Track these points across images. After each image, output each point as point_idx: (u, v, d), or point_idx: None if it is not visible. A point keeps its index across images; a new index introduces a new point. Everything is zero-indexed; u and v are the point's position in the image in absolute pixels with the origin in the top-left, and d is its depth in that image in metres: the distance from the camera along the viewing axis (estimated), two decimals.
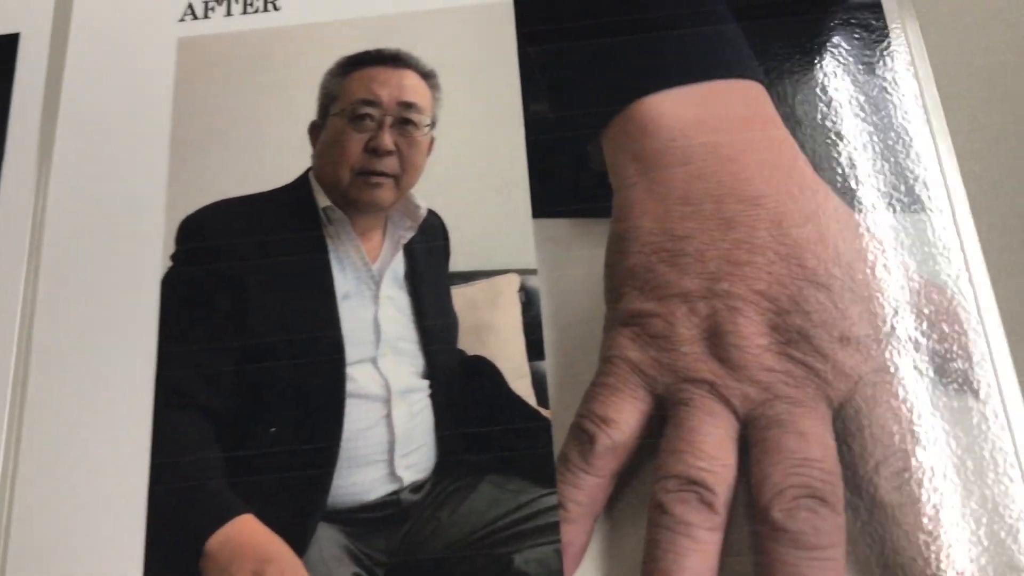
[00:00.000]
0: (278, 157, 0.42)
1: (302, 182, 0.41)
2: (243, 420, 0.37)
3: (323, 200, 0.41)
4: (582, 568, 0.35)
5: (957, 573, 0.33)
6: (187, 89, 0.44)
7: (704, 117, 0.40)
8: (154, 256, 0.40)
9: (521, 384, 0.37)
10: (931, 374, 0.36)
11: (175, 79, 0.44)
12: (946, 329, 0.37)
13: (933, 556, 0.33)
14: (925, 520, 0.34)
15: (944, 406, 0.36)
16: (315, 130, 0.42)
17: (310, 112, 0.42)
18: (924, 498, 0.34)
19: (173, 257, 0.40)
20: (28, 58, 0.44)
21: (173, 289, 0.40)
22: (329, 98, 0.42)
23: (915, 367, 0.36)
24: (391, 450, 0.37)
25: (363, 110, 0.41)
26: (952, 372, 0.37)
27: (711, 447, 0.35)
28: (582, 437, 0.36)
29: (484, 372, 0.38)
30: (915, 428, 0.35)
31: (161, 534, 0.36)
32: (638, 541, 0.34)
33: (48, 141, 0.43)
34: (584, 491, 0.36)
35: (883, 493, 0.34)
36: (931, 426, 0.35)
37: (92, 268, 0.40)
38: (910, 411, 0.36)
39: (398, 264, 0.40)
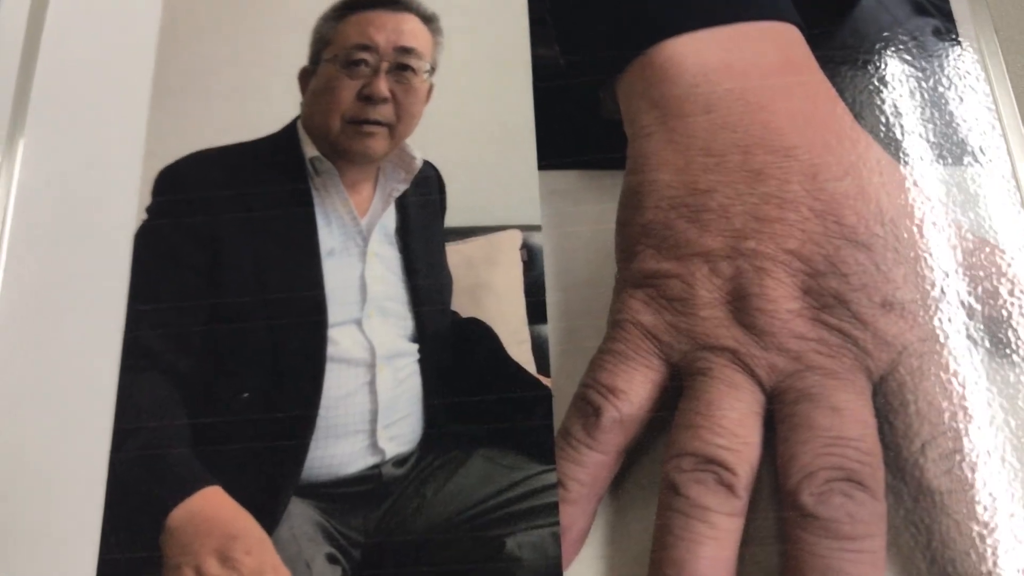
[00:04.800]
0: (263, 105, 0.39)
1: (289, 131, 0.38)
2: (213, 384, 0.34)
3: (311, 150, 0.37)
4: (582, 555, 0.31)
5: (1017, 570, 0.29)
6: (171, 34, 0.41)
7: (730, 62, 0.36)
8: (129, 209, 0.37)
9: (520, 350, 0.34)
10: (986, 344, 0.32)
11: (160, 23, 0.41)
12: (1003, 294, 0.33)
13: (989, 550, 0.29)
14: (979, 509, 0.30)
15: (1000, 379, 0.32)
16: (305, 76, 0.39)
17: (299, 59, 0.39)
18: (978, 484, 0.30)
19: (148, 209, 0.37)
20: (10, 8, 0.42)
21: (146, 244, 0.36)
22: (322, 43, 0.39)
23: (968, 336, 0.32)
24: (373, 420, 0.33)
25: (358, 55, 0.38)
26: (1010, 342, 0.32)
27: (732, 422, 0.31)
28: (586, 409, 0.32)
29: (479, 336, 0.34)
30: (967, 404, 0.31)
31: (121, 506, 0.32)
32: (647, 526, 0.30)
33: (25, 85, 0.40)
34: (587, 469, 0.32)
35: (930, 477, 0.30)
36: (986, 402, 0.31)
37: (63, 221, 0.37)
38: (962, 385, 0.31)
39: (389, 219, 0.37)
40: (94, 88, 0.40)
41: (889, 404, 0.31)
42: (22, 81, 0.40)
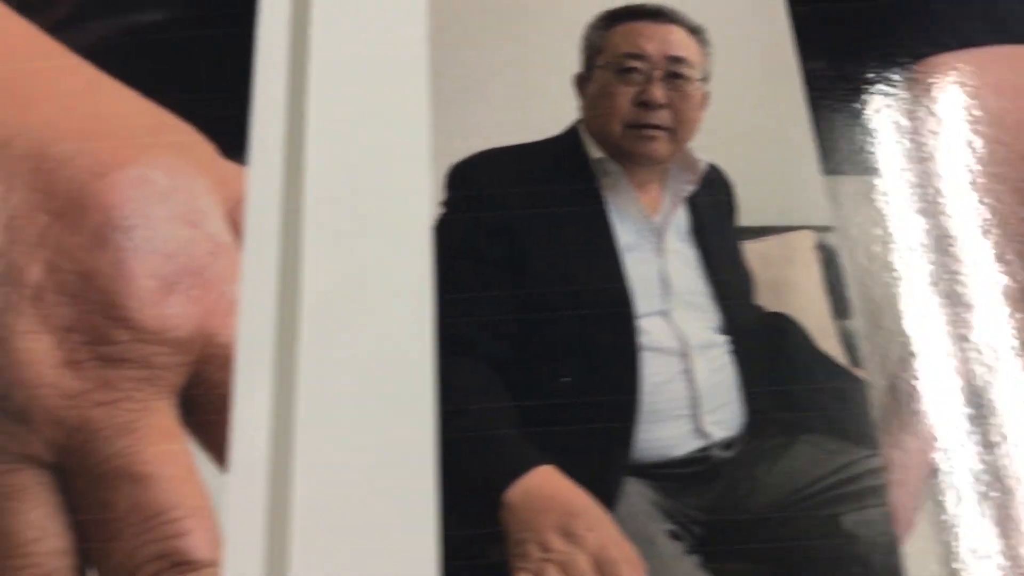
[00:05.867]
0: (543, 108, 0.41)
1: (572, 134, 0.40)
2: (530, 370, 0.35)
3: (596, 152, 0.39)
4: (916, 534, 0.33)
5: None
6: (442, 40, 0.42)
7: (995, 81, 0.39)
8: (421, 203, 0.39)
9: (828, 343, 0.35)
10: None
11: (428, 30, 0.43)
12: None
13: None
14: None
15: None
16: (581, 82, 0.41)
17: (571, 64, 0.41)
18: None
19: (444, 203, 0.39)
20: (271, 9, 0.43)
21: (447, 235, 0.38)
22: (593, 50, 0.41)
23: None
24: (695, 405, 0.35)
25: (630, 63, 0.40)
26: None
27: None
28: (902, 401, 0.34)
29: (788, 329, 0.36)
30: None
31: (454, 485, 0.33)
32: None
33: (299, 94, 0.41)
34: (909, 455, 0.33)
35: None
36: None
37: (358, 216, 0.39)
38: None
39: (681, 218, 0.39)
40: (369, 93, 0.41)
41: None
42: (294, 93, 0.41)
